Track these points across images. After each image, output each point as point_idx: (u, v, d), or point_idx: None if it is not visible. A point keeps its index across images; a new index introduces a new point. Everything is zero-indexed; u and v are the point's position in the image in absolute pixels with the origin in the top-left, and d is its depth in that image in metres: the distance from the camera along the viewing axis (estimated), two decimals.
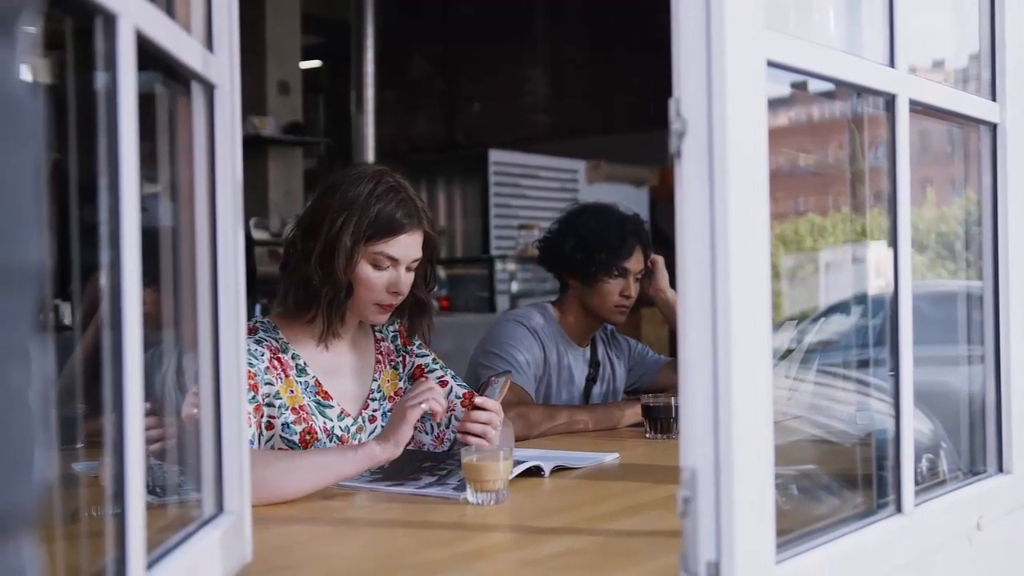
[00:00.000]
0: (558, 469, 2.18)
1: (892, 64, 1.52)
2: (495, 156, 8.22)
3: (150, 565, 1.09)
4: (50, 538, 1.01)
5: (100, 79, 1.02)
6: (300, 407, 2.17)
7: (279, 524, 1.74)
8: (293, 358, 2.21)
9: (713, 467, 1.17)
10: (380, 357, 2.37)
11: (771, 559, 1.23)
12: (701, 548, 1.17)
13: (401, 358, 2.40)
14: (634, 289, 3.02)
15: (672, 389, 2.94)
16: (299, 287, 2.19)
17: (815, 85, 1.55)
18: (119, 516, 1.00)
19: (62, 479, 1.42)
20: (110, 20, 0.99)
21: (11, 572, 0.53)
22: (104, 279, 1.01)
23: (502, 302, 7.41)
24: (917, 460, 1.61)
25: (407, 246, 2.20)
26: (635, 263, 3.01)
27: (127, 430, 1.01)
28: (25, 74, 0.55)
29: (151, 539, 1.07)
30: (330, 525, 1.78)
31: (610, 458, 2.34)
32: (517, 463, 2.03)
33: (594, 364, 3.14)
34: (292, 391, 2.17)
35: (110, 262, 1.00)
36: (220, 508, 1.37)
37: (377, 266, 2.18)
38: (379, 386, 2.34)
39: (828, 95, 1.73)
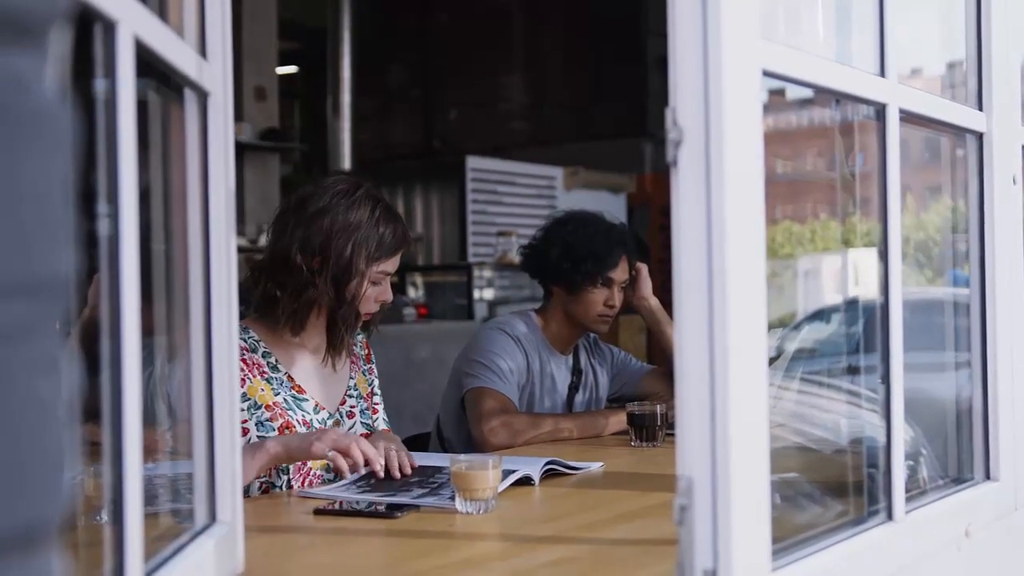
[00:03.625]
0: (549, 472, 2.18)
1: (882, 73, 1.53)
2: (472, 163, 8.20)
3: None
4: None
5: (98, 85, 1.01)
6: (274, 404, 2.23)
7: (271, 534, 1.74)
8: (264, 356, 2.27)
9: (710, 475, 1.17)
10: (354, 358, 2.47)
11: (767, 566, 1.23)
12: (698, 556, 1.17)
13: (369, 367, 2.52)
14: (618, 299, 3.01)
15: (655, 397, 2.95)
16: (308, 307, 2.25)
17: (792, 92, 1.55)
18: (117, 526, 0.99)
19: None
20: (110, 27, 0.98)
21: None
22: (102, 287, 1.00)
23: (480, 309, 7.39)
24: None
25: (398, 260, 2.35)
26: (620, 273, 3.01)
27: (125, 440, 1.00)
28: (56, 84, 0.54)
29: (144, 549, 1.06)
30: (321, 535, 1.77)
31: (596, 467, 2.34)
32: (507, 473, 2.03)
33: (577, 372, 3.14)
34: (263, 390, 2.23)
35: (109, 268, 0.99)
36: (213, 518, 1.36)
37: (374, 283, 2.30)
38: (355, 384, 2.44)
39: (805, 102, 1.74)
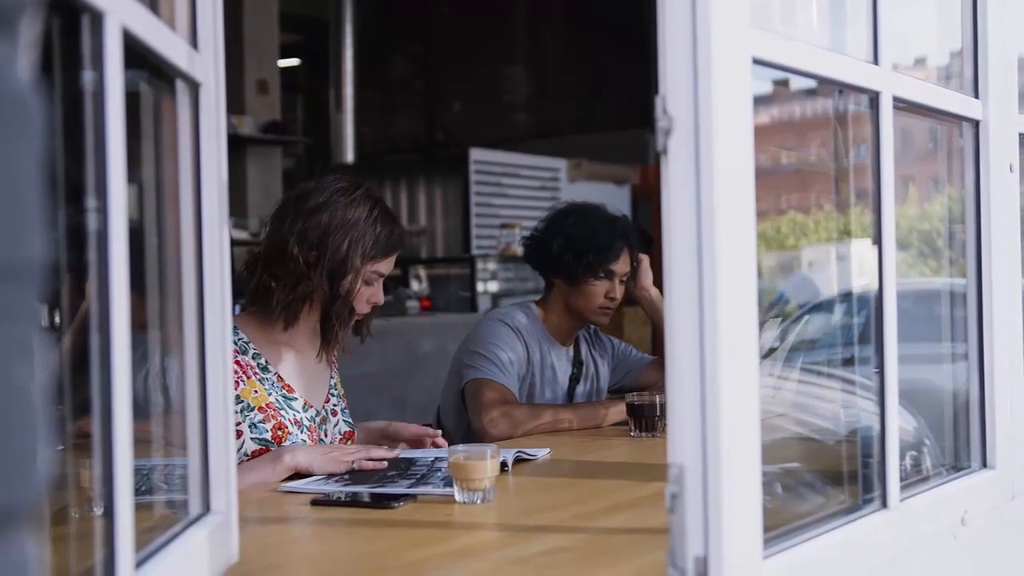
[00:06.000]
0: (518, 461, 2.23)
1: (876, 61, 1.53)
2: (476, 155, 8.20)
3: (138, 565, 1.08)
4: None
5: (86, 77, 1.02)
6: (267, 405, 2.25)
7: (266, 524, 1.74)
8: (254, 357, 2.29)
9: (701, 463, 1.17)
10: (334, 360, 2.49)
11: (759, 554, 1.23)
12: (689, 543, 1.17)
13: (337, 369, 2.54)
14: (619, 291, 3.01)
15: (656, 387, 2.95)
16: (301, 300, 2.27)
17: (797, 83, 1.55)
18: (108, 516, 1.00)
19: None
20: (97, 18, 0.99)
21: (16, 567, 0.53)
22: (91, 280, 1.00)
23: (483, 302, 7.40)
24: (901, 457, 1.62)
25: (393, 263, 2.37)
26: (622, 265, 3.01)
27: (115, 431, 1.00)
28: (27, 71, 0.55)
29: (137, 539, 1.07)
30: (318, 525, 1.78)
31: (542, 453, 2.36)
32: None
33: (577, 363, 3.14)
34: (256, 391, 2.25)
35: (98, 263, 1.00)
36: (207, 508, 1.37)
37: (367, 283, 2.32)
38: (335, 384, 2.47)
39: (810, 92, 1.74)
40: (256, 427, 2.21)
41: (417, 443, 2.42)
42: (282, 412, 2.26)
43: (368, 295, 2.32)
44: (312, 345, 2.38)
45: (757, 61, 1.25)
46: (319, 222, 2.25)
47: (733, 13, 1.19)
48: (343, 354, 2.48)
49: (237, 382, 2.20)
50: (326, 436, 2.36)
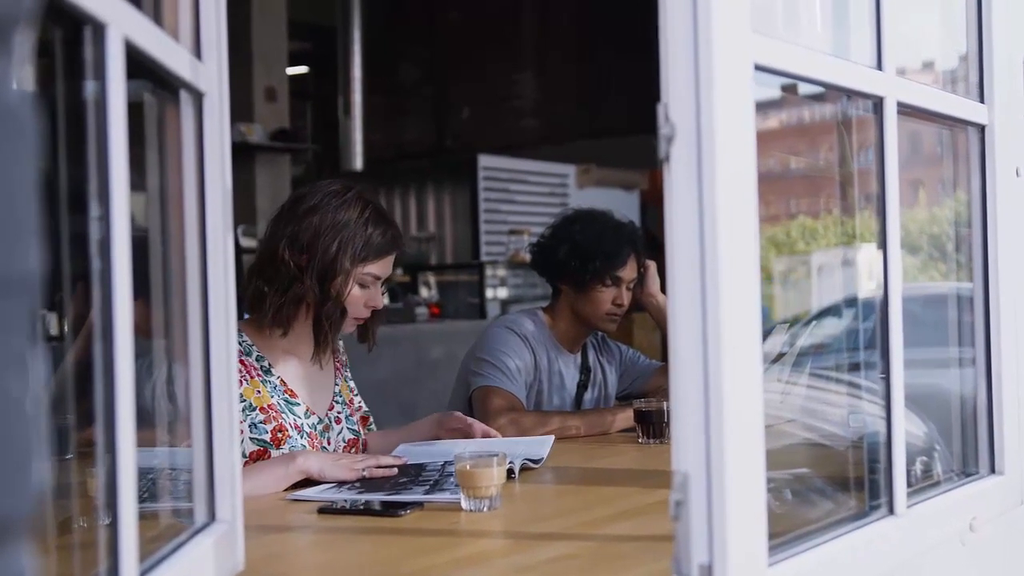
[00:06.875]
0: (524, 469, 2.22)
1: (880, 67, 1.52)
2: (484, 161, 8.21)
3: (143, 574, 1.08)
4: (42, 548, 1.01)
5: (89, 88, 1.02)
6: (269, 406, 2.26)
7: (271, 533, 1.74)
8: (258, 360, 2.30)
9: (705, 470, 1.17)
10: (339, 365, 2.50)
11: (764, 561, 1.23)
12: (693, 551, 1.17)
13: (348, 372, 2.54)
14: (626, 297, 3.01)
15: (663, 394, 2.94)
16: (293, 303, 2.27)
17: (805, 88, 1.55)
18: (112, 525, 1.00)
19: (53, 489, 1.41)
20: (99, 29, 0.99)
21: None
22: (94, 289, 1.01)
23: (492, 308, 7.40)
24: (911, 463, 1.61)
25: (389, 265, 2.36)
26: (629, 272, 3.01)
27: (119, 440, 1.00)
28: (22, 83, 0.55)
29: (143, 548, 1.07)
30: (323, 534, 1.78)
31: (548, 444, 2.39)
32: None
33: (585, 370, 3.14)
34: (259, 391, 2.27)
35: (100, 272, 1.00)
36: (212, 517, 1.37)
37: (362, 285, 2.31)
38: (339, 391, 2.47)
39: (818, 98, 1.73)
40: (256, 427, 2.22)
41: (466, 433, 2.46)
42: (283, 415, 2.26)
43: (365, 299, 2.31)
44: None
45: (759, 67, 1.25)
46: (310, 224, 2.26)
47: (734, 19, 1.19)
48: (336, 356, 2.48)
49: (240, 381, 2.20)
50: (329, 444, 2.36)
